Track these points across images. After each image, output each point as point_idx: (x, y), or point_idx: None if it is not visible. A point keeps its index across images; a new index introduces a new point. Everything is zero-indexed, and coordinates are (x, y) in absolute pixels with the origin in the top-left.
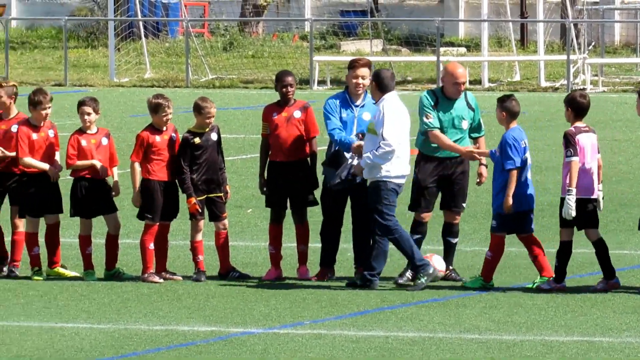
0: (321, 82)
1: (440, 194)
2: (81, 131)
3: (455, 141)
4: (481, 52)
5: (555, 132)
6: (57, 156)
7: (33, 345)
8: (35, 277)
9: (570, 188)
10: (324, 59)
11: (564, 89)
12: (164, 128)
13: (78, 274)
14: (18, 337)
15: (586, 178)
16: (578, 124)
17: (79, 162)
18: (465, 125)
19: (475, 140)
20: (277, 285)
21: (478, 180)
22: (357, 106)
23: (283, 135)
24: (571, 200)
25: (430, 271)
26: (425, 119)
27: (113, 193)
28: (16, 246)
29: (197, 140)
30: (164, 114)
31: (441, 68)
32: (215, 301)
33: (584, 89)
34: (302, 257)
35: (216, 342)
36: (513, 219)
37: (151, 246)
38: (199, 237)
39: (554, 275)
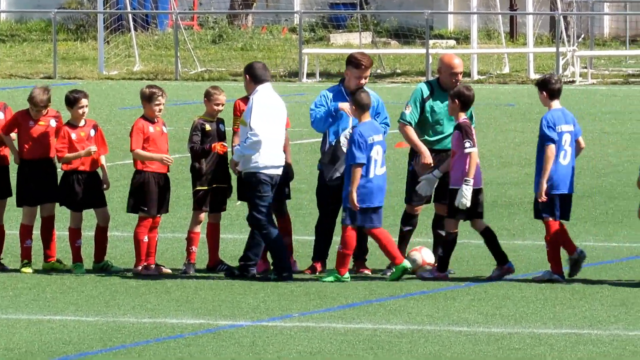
0: (310, 75)
1: None
2: (71, 124)
3: (450, 134)
4: (470, 45)
5: None
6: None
7: (21, 338)
8: (24, 270)
9: (467, 178)
10: (313, 52)
11: None
12: (156, 120)
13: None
14: (6, 329)
15: (477, 169)
16: (464, 116)
17: (69, 155)
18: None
19: None
20: (265, 278)
21: None
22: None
23: None
24: (468, 190)
25: (287, 276)
26: (404, 109)
27: (104, 186)
28: None
29: (208, 127)
30: (157, 102)
31: (430, 61)
32: (204, 294)
33: (465, 84)
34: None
35: (204, 335)
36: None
37: (145, 239)
38: (198, 228)
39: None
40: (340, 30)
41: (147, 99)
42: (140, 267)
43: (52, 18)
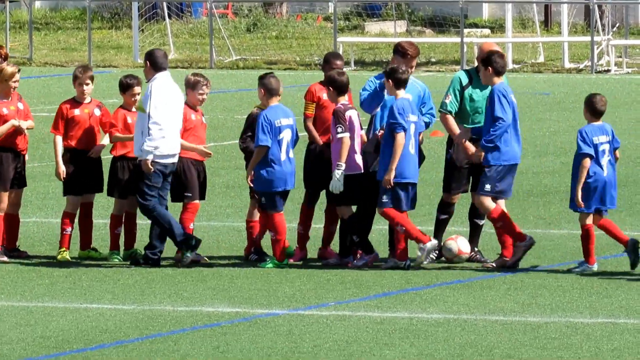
0: (345, 64)
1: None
2: (124, 108)
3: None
4: (505, 34)
5: (580, 113)
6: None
7: (57, 326)
8: (60, 257)
9: (340, 163)
10: (348, 40)
11: (588, 70)
12: (198, 108)
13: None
14: (43, 317)
15: (352, 154)
16: (343, 101)
17: (120, 135)
18: None
19: None
20: (301, 266)
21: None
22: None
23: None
24: (339, 174)
25: (189, 256)
26: (444, 98)
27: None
28: None
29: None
30: (200, 91)
31: (465, 49)
32: (240, 282)
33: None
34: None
35: (241, 323)
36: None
37: (192, 226)
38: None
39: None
40: (375, 19)
41: (192, 86)
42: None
43: (86, 6)
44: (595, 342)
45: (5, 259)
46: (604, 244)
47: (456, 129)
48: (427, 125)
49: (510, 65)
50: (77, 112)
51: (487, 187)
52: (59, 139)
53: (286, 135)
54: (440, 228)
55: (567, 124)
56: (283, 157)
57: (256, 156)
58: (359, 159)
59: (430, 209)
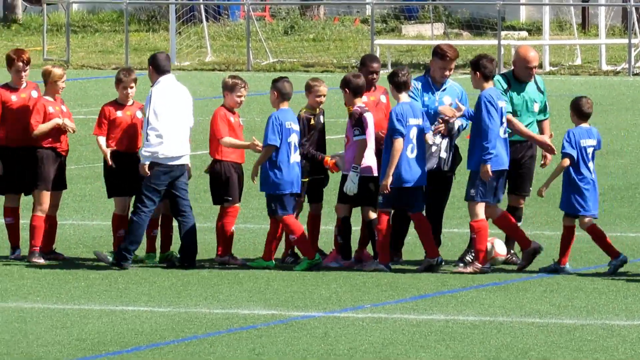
0: (382, 66)
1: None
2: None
3: (527, 124)
4: (542, 36)
5: (617, 116)
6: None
7: (93, 328)
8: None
9: (355, 165)
10: (385, 43)
11: (625, 72)
12: (235, 110)
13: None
14: (79, 320)
15: (370, 156)
16: (360, 103)
17: None
18: (536, 108)
19: (540, 123)
20: (337, 268)
21: (543, 162)
22: (438, 90)
23: (374, 119)
24: (355, 177)
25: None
26: None
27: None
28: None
29: (312, 120)
30: (239, 93)
31: (502, 52)
32: (276, 285)
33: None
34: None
35: (277, 326)
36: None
37: (232, 229)
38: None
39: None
40: (412, 21)
41: (230, 89)
42: (227, 257)
43: (124, 9)
44: (631, 345)
45: (42, 261)
46: (636, 247)
47: (524, 127)
48: (464, 127)
49: (547, 68)
50: (119, 114)
51: (472, 192)
52: (102, 140)
53: (294, 139)
54: None
55: (604, 126)
56: (292, 160)
57: (264, 155)
58: (371, 161)
59: (467, 211)
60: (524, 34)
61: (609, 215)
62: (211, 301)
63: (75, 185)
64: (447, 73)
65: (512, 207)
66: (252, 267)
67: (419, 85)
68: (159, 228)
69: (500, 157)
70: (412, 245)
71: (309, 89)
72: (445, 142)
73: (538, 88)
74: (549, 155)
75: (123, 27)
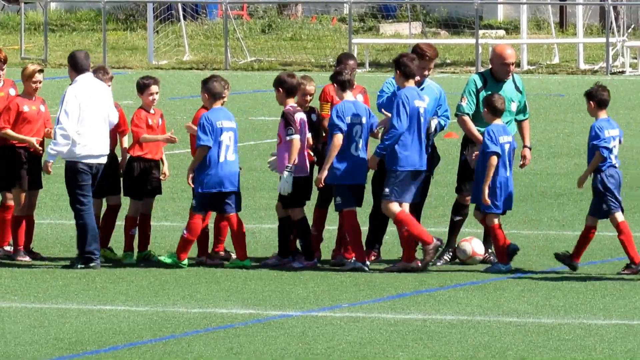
0: (360, 65)
1: None
2: (144, 109)
3: (506, 123)
4: (520, 35)
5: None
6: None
7: (71, 327)
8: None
9: (289, 164)
10: (363, 42)
11: (603, 71)
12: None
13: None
14: (56, 319)
15: (301, 157)
16: (293, 103)
17: (148, 136)
18: (514, 107)
19: (520, 123)
20: (315, 268)
21: (522, 162)
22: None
23: None
24: (288, 176)
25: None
26: (460, 101)
27: (163, 176)
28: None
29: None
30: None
31: (480, 51)
32: (253, 284)
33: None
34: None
35: (254, 325)
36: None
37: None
38: None
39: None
40: (390, 20)
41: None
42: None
43: (101, 8)
44: (609, 344)
45: (27, 258)
46: (617, 246)
47: (475, 131)
48: (442, 127)
49: (525, 67)
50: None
51: (387, 191)
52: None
53: (226, 138)
54: (454, 229)
55: (581, 126)
56: (222, 159)
57: (198, 156)
58: (307, 161)
59: (445, 210)
60: (502, 32)
61: (584, 214)
62: (189, 300)
63: (52, 185)
64: (426, 72)
65: (459, 205)
66: (228, 267)
67: (394, 85)
68: (137, 227)
69: (412, 157)
70: (391, 245)
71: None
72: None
73: (516, 87)
74: (528, 156)
75: (101, 26)
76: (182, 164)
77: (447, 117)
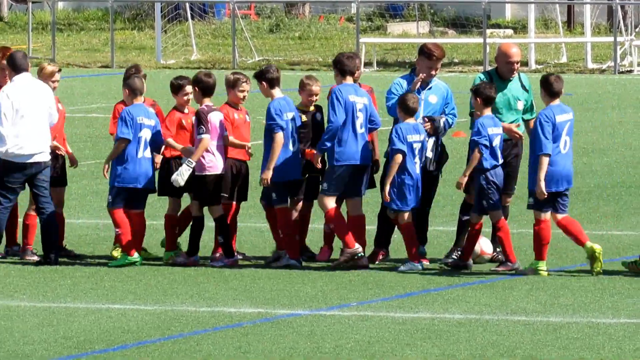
0: (367, 64)
1: None
2: (178, 110)
3: (511, 122)
4: (528, 34)
5: (603, 114)
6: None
7: (80, 326)
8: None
9: (191, 160)
10: (371, 41)
11: (611, 70)
12: (241, 106)
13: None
14: (65, 318)
15: (220, 156)
16: (208, 102)
17: (171, 141)
18: (520, 106)
19: (526, 122)
20: (323, 266)
21: None
22: (424, 88)
23: None
24: (186, 171)
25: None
26: (472, 100)
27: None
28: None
29: (304, 117)
30: (241, 88)
31: (488, 50)
32: (262, 283)
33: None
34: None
35: (263, 324)
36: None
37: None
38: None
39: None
40: (398, 20)
41: (232, 85)
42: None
43: (109, 7)
44: (617, 343)
45: (35, 258)
46: (626, 245)
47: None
48: (450, 125)
49: (533, 66)
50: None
51: (324, 185)
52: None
53: (145, 135)
54: (462, 229)
55: (589, 124)
56: (139, 155)
57: (116, 149)
58: (217, 160)
59: (453, 209)
60: (510, 32)
61: (594, 213)
62: (197, 299)
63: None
64: (433, 72)
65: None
66: (112, 265)
67: (404, 83)
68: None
69: (350, 152)
70: (399, 244)
71: (302, 87)
72: (431, 141)
73: (523, 86)
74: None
75: (108, 25)
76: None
77: (454, 115)
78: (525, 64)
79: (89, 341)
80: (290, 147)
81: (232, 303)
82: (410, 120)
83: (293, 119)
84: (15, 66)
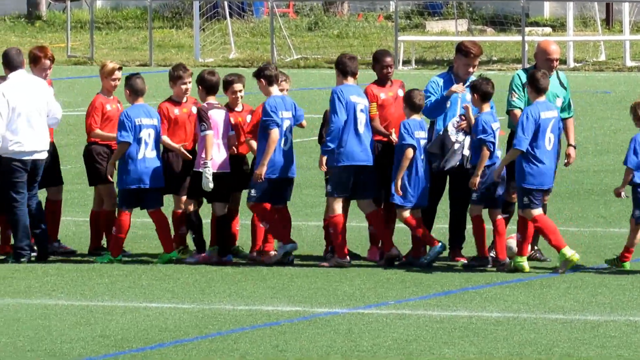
0: (406, 62)
1: None
2: (228, 107)
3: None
4: (566, 32)
5: None
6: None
7: (117, 325)
8: (183, 256)
9: (206, 161)
10: (409, 39)
11: None
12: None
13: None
14: (102, 316)
15: (220, 153)
16: (211, 100)
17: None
18: (559, 102)
19: (564, 121)
20: (361, 265)
21: (566, 160)
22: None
23: (395, 115)
24: (208, 172)
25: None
26: (510, 97)
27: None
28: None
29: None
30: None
31: (526, 48)
32: (300, 281)
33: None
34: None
35: (300, 322)
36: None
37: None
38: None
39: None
40: (436, 18)
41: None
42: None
43: (147, 5)
44: None
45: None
46: None
47: None
48: None
49: (572, 64)
50: (176, 111)
51: (328, 188)
52: (166, 138)
53: (145, 135)
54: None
55: (628, 123)
56: (140, 155)
57: (117, 152)
58: (218, 157)
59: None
60: (548, 30)
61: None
62: (235, 298)
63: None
64: (470, 70)
65: (505, 202)
66: (159, 263)
67: (441, 82)
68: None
69: (350, 153)
70: (406, 238)
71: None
72: (467, 139)
73: (561, 84)
74: (572, 154)
75: (147, 23)
76: None
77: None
78: (563, 62)
79: (126, 340)
80: (282, 146)
81: (270, 301)
82: (416, 117)
83: (288, 118)
84: (10, 63)
